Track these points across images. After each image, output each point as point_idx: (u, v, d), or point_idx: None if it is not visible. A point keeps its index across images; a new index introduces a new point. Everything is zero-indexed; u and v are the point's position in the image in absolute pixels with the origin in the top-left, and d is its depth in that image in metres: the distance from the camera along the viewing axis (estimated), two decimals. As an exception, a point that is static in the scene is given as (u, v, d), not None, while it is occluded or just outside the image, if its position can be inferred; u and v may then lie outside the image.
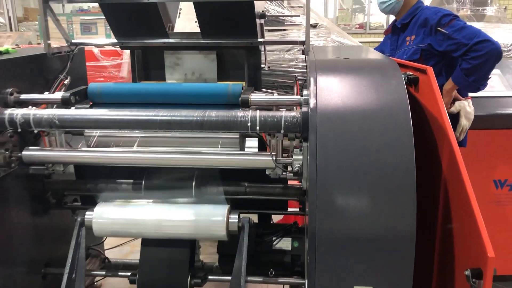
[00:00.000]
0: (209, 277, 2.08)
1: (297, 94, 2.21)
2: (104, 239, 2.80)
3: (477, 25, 3.05)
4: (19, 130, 1.88)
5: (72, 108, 2.04)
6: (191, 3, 2.21)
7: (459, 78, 2.45)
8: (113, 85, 2.13)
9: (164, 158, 1.92)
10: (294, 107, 1.98)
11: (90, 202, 2.07)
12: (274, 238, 2.23)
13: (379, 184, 1.39)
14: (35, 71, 2.18)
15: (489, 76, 2.48)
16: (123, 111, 1.85)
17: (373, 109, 1.46)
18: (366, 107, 1.47)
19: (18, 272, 2.08)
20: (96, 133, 2.02)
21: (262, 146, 2.23)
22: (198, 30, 2.30)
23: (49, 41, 2.22)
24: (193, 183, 2.04)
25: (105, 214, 1.97)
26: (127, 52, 4.44)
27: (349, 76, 1.58)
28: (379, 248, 1.39)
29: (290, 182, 2.12)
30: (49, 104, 2.05)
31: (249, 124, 1.76)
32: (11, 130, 1.91)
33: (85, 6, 8.99)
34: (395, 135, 1.42)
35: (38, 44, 7.57)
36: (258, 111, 1.79)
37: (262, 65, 2.47)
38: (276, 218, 2.93)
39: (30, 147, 1.97)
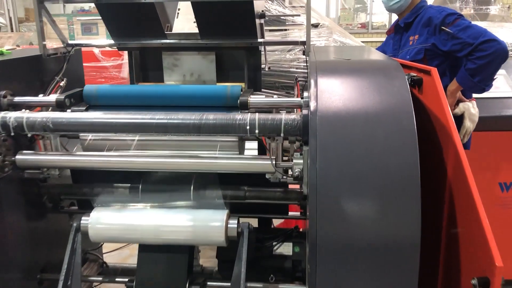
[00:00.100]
0: (208, 283, 2.04)
1: (297, 96, 2.17)
2: (102, 243, 2.75)
3: (480, 24, 3.00)
4: (12, 134, 1.84)
5: (68, 110, 2.00)
6: (189, 3, 2.16)
7: (464, 79, 2.40)
8: (109, 87, 2.09)
9: (161, 163, 1.88)
10: (295, 109, 1.94)
11: (88, 206, 2.03)
12: (274, 243, 2.18)
13: (382, 190, 1.34)
14: (30, 73, 2.14)
15: (495, 77, 2.43)
16: (118, 114, 1.81)
17: (375, 112, 1.42)
18: (368, 110, 1.42)
19: (14, 278, 2.04)
20: (92, 136, 1.97)
21: (262, 148, 2.19)
22: (197, 30, 2.26)
23: (44, 42, 2.18)
24: (192, 187, 1.99)
25: (102, 219, 1.92)
26: (128, 52, 4.38)
27: (350, 77, 1.54)
28: (382, 256, 1.35)
29: (291, 186, 2.08)
30: (43, 107, 2.01)
31: (248, 127, 1.72)
32: (4, 134, 1.87)
33: (86, 6, 8.98)
34: (399, 139, 1.38)
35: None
36: (257, 114, 1.74)
37: (262, 66, 2.43)
38: (276, 221, 2.89)
39: (24, 151, 1.93)
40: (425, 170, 1.37)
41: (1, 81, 1.93)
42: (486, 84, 2.41)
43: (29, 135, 1.86)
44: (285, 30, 3.84)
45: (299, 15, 3.64)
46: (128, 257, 3.28)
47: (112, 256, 3.17)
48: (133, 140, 1.97)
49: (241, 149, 2.02)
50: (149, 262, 1.99)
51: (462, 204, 1.44)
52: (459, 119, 2.53)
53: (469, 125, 2.52)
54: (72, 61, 2.40)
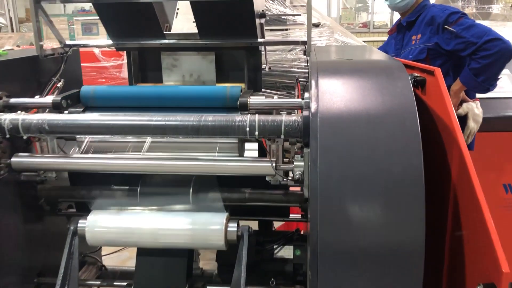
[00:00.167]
0: (208, 287, 2.00)
1: (298, 97, 2.13)
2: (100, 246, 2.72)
3: (482, 23, 2.96)
4: (8, 136, 1.81)
5: (65, 112, 1.97)
6: (189, 2, 2.13)
7: (468, 79, 2.36)
8: (106, 88, 2.06)
9: (160, 165, 1.84)
10: (295, 110, 1.90)
11: (86, 209, 1.99)
12: (275, 246, 2.15)
13: (385, 194, 1.31)
14: (27, 74, 2.11)
15: (499, 76, 2.39)
16: (115, 116, 1.77)
17: (378, 114, 1.38)
18: (370, 111, 1.39)
19: (10, 282, 2.01)
20: (89, 138, 1.94)
21: (263, 149, 2.15)
22: (196, 30, 2.22)
23: (41, 43, 2.15)
24: (191, 189, 1.96)
25: (99, 223, 1.89)
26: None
27: (352, 78, 1.51)
28: (385, 262, 1.32)
29: (292, 188, 2.04)
30: (40, 108, 1.98)
31: (247, 129, 1.68)
32: (0, 136, 1.84)
33: (86, 6, 8.95)
34: (402, 141, 1.35)
35: (40, 45, 7.52)
36: (257, 115, 1.71)
37: (263, 66, 2.40)
38: (277, 223, 2.85)
39: (20, 154, 1.90)
40: (428, 172, 1.34)
41: None
42: (490, 84, 2.37)
43: (24, 137, 1.82)
44: (286, 29, 3.81)
45: (300, 15, 3.61)
46: (128, 259, 3.25)
47: (112, 259, 3.14)
48: (132, 142, 1.93)
49: (241, 151, 1.98)
50: (147, 266, 1.96)
51: (467, 207, 1.41)
52: (463, 120, 2.49)
53: (473, 125, 2.48)
54: (70, 61, 2.37)
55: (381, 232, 1.31)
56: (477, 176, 1.33)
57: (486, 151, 2.74)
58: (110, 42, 2.32)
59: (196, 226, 1.84)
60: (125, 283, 2.00)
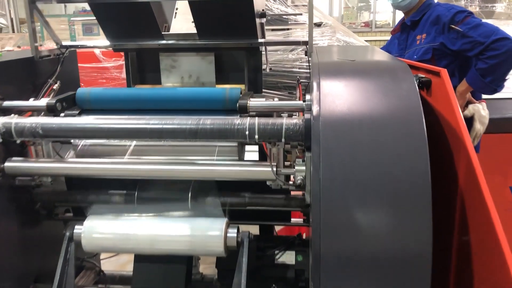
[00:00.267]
0: (207, 293, 1.96)
1: (299, 99, 2.08)
2: (98, 251, 2.68)
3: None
4: (0, 140, 1.76)
5: (61, 115, 1.93)
6: (187, 2, 2.08)
7: (475, 79, 2.31)
8: (102, 91, 2.00)
9: (157, 170, 1.79)
10: (297, 113, 1.85)
11: (83, 213, 1.95)
12: (276, 252, 2.10)
13: (390, 200, 1.26)
14: (22, 76, 2.07)
15: (507, 77, 2.34)
16: (111, 119, 1.73)
17: (382, 117, 1.33)
18: (374, 114, 1.34)
19: None
20: (85, 142, 1.89)
21: (263, 152, 2.10)
22: (195, 30, 2.18)
23: (36, 44, 2.10)
24: (189, 194, 1.91)
25: (95, 229, 1.84)
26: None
27: (355, 80, 1.46)
28: (390, 271, 1.26)
29: (293, 192, 1.99)
30: (34, 111, 1.93)
31: (247, 132, 1.63)
32: None
33: (87, 6, 8.91)
34: (408, 145, 1.30)
35: (40, 45, 7.50)
36: (257, 118, 1.66)
37: (263, 67, 2.35)
38: (278, 227, 2.80)
39: (14, 158, 1.85)
40: (434, 177, 1.29)
41: None
42: (498, 85, 2.32)
43: (18, 141, 1.78)
44: (287, 29, 3.77)
45: (301, 14, 3.56)
46: (127, 263, 3.20)
47: (111, 262, 3.10)
48: (129, 146, 1.88)
49: (241, 154, 1.93)
50: (145, 272, 1.92)
51: (474, 212, 1.36)
52: (469, 122, 2.44)
53: (479, 127, 2.42)
54: (66, 63, 2.32)
55: (386, 240, 1.26)
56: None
57: (493, 153, 2.69)
58: (107, 43, 2.27)
59: (195, 232, 1.79)
60: (122, 289, 1.96)
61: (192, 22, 2.18)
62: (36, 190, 2.05)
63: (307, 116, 1.57)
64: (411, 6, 2.64)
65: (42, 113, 1.94)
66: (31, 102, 1.94)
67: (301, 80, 2.20)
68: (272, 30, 3.71)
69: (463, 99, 2.41)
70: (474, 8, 7.06)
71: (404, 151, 1.29)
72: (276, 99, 1.93)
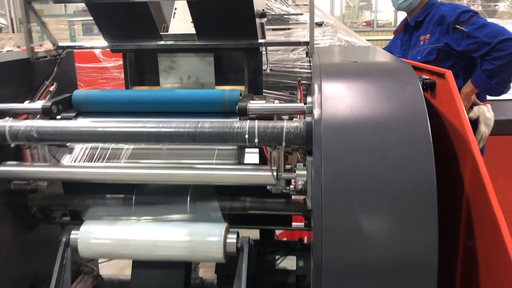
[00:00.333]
0: (207, 299, 1.93)
1: (300, 101, 2.04)
2: (96, 256, 2.64)
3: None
4: None
5: (58, 117, 1.89)
6: (186, 2, 2.04)
7: (480, 81, 2.26)
8: (99, 93, 1.97)
9: (155, 174, 1.75)
10: (298, 115, 1.81)
11: (80, 217, 1.91)
12: (277, 257, 2.07)
13: (394, 206, 1.23)
14: (18, 78, 2.03)
15: None
16: (107, 123, 1.69)
17: (386, 121, 1.31)
18: (378, 118, 1.31)
19: None
20: (81, 145, 1.85)
21: (263, 155, 2.06)
22: (194, 31, 2.13)
23: (32, 45, 2.06)
24: (188, 198, 1.87)
25: (92, 234, 1.81)
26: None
27: (358, 82, 1.43)
28: (394, 279, 1.23)
29: (294, 196, 1.95)
30: (29, 114, 1.89)
31: (246, 136, 1.59)
32: None
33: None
34: (412, 150, 1.27)
35: (40, 45, 7.48)
36: (256, 121, 1.62)
37: (264, 67, 2.30)
38: (279, 230, 2.76)
39: (8, 162, 1.81)
40: (439, 181, 1.26)
41: None
42: (504, 86, 2.27)
43: (12, 145, 1.74)
44: (289, 29, 3.72)
45: (302, 14, 3.51)
46: (126, 267, 3.16)
47: (109, 266, 3.06)
48: (126, 149, 1.84)
49: (240, 157, 1.89)
50: (143, 278, 1.88)
51: (480, 217, 1.34)
52: (473, 124, 2.39)
53: (484, 130, 2.38)
54: (63, 64, 2.28)
55: (390, 247, 1.23)
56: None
57: (497, 155, 2.65)
58: (105, 44, 2.23)
59: (194, 237, 1.75)
60: (120, 295, 1.92)
61: (191, 22, 2.14)
62: (32, 194, 2.02)
63: (308, 119, 1.53)
64: (412, 7, 2.60)
65: (38, 116, 1.91)
66: (26, 105, 1.90)
67: (302, 81, 2.16)
68: (273, 29, 3.67)
69: (468, 101, 2.36)
70: (476, 7, 7.02)
71: (409, 156, 1.26)
72: (276, 101, 1.89)
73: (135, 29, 2.15)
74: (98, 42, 2.35)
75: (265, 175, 1.67)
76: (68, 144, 1.83)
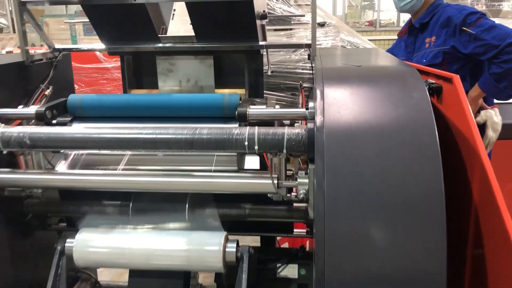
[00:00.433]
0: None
1: (302, 105, 1.98)
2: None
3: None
4: None
5: (54, 122, 1.84)
6: (185, 3, 1.98)
7: (488, 84, 2.20)
8: (95, 97, 1.91)
9: (153, 182, 1.70)
10: (299, 121, 1.75)
11: (77, 224, 1.86)
12: (278, 265, 2.01)
13: (400, 219, 1.18)
14: (12, 81, 1.98)
15: None
16: (102, 129, 1.63)
17: (391, 128, 1.26)
18: (383, 125, 1.26)
19: None
20: (77, 152, 1.80)
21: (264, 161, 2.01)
22: (193, 33, 2.08)
23: (27, 47, 2.01)
24: (186, 206, 1.82)
25: (88, 242, 1.76)
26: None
27: (362, 87, 1.38)
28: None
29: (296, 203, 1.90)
30: (23, 119, 1.84)
31: (246, 143, 1.54)
32: None
33: (88, 6, 8.82)
34: (419, 158, 1.21)
35: (41, 46, 7.44)
36: (256, 127, 1.56)
37: (265, 69, 2.25)
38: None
39: (0, 170, 1.76)
40: (446, 188, 1.21)
41: None
42: None
43: (4, 152, 1.68)
44: (290, 29, 3.67)
45: (303, 15, 3.46)
46: (125, 272, 3.10)
47: (109, 270, 3.01)
48: (123, 155, 1.79)
49: (240, 164, 1.84)
50: (140, 287, 1.82)
51: (489, 224, 1.29)
52: (481, 128, 2.33)
53: (491, 134, 2.32)
54: (60, 67, 2.23)
55: (396, 259, 1.18)
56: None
57: (504, 159, 2.59)
58: (102, 46, 2.18)
59: (192, 246, 1.70)
60: (117, 304, 1.87)
61: (190, 24, 2.08)
62: (27, 200, 1.97)
63: (310, 125, 1.48)
64: (415, 9, 2.54)
65: (32, 121, 1.85)
66: (20, 110, 1.84)
67: (303, 85, 2.10)
68: (275, 30, 3.62)
69: (475, 105, 2.30)
70: (481, 7, 6.96)
71: (415, 165, 1.22)
72: (277, 106, 1.83)
73: (132, 31, 2.10)
74: (95, 44, 2.29)
75: (265, 183, 1.61)
76: (62, 150, 1.78)
